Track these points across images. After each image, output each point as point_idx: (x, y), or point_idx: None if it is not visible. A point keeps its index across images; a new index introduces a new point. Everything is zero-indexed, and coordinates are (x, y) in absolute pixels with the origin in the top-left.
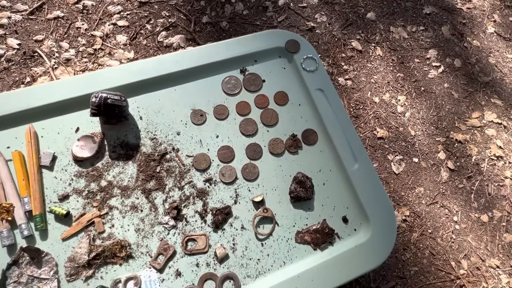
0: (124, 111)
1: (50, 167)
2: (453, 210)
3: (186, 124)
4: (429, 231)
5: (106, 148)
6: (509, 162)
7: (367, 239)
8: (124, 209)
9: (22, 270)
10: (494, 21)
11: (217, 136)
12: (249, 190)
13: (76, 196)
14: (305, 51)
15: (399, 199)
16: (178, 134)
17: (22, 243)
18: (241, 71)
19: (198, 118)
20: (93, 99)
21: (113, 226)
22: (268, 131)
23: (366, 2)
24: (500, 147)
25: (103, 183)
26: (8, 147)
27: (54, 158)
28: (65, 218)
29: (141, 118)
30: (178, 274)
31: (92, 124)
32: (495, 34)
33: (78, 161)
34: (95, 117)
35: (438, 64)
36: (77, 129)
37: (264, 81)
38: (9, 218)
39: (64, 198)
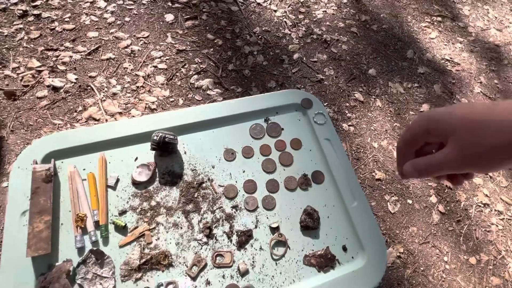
0: (174, 147)
1: (114, 187)
2: (444, 251)
3: (219, 160)
4: (421, 268)
5: (157, 175)
6: (495, 210)
7: (362, 266)
8: (168, 226)
9: (89, 268)
10: (480, 82)
11: (244, 171)
12: (267, 218)
13: (131, 212)
14: (316, 107)
15: (394, 236)
16: (213, 167)
17: (89, 246)
18: (265, 120)
19: (230, 156)
20: (154, 137)
21: (158, 239)
22: (284, 170)
23: (368, 60)
24: (487, 196)
25: (153, 203)
26: (84, 169)
27: (117, 181)
28: (122, 229)
29: (185, 152)
30: (208, 283)
31: (148, 156)
32: (481, 93)
33: (136, 184)
34: (154, 151)
35: None
36: (136, 159)
37: (283, 129)
38: (83, 226)
39: (122, 213)
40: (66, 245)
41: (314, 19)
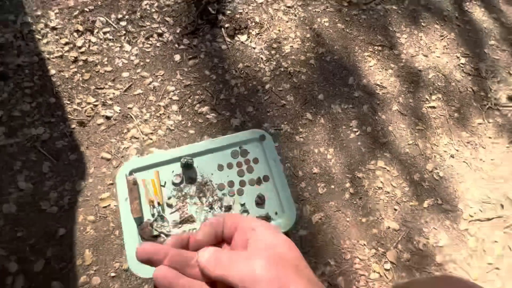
0: (192, 165)
1: (164, 186)
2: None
3: (215, 170)
4: (332, 224)
5: (184, 179)
6: (387, 192)
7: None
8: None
9: (159, 223)
10: (399, 102)
11: (227, 176)
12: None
13: (173, 198)
14: (268, 139)
15: (319, 206)
16: (212, 174)
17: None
18: (239, 148)
19: (220, 168)
20: (183, 161)
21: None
22: (250, 173)
23: (319, 87)
24: (382, 182)
25: (183, 193)
26: (147, 177)
27: (165, 183)
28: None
29: (197, 167)
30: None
31: (178, 169)
32: (397, 111)
33: (174, 184)
34: (182, 167)
35: (356, 129)
36: (173, 171)
37: (249, 153)
38: (153, 204)
39: (169, 198)
40: (144, 214)
41: (283, 54)
